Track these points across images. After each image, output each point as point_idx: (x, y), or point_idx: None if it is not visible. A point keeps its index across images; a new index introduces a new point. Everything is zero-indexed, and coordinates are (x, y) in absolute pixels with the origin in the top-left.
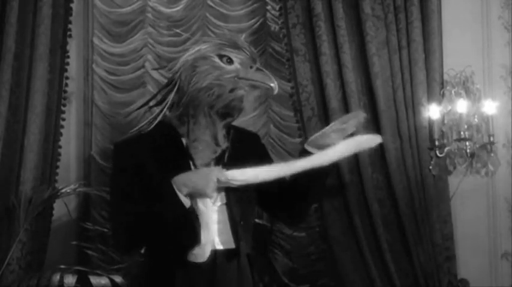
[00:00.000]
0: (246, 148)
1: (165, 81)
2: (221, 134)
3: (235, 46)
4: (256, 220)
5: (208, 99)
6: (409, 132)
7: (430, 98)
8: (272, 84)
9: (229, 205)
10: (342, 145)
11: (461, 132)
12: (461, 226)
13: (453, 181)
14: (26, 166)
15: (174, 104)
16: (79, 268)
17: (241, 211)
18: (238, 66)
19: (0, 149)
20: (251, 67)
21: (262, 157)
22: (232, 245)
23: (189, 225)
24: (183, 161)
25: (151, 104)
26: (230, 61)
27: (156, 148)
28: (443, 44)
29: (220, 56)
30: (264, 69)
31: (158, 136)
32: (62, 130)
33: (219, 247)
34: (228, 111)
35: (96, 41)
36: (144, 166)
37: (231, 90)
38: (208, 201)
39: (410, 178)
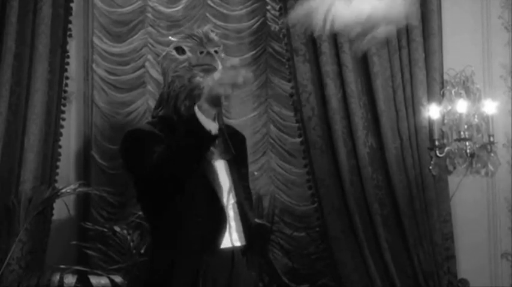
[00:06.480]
0: (234, 141)
1: None
2: None
3: (187, 35)
4: (256, 220)
5: (176, 92)
6: (409, 132)
7: (430, 98)
8: (214, 64)
9: (239, 203)
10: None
11: (461, 132)
12: (461, 226)
13: (453, 181)
14: (26, 166)
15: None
16: (79, 268)
17: (249, 208)
18: (189, 54)
19: (0, 149)
20: (201, 52)
21: (241, 156)
22: (243, 242)
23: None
24: None
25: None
26: (183, 51)
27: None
28: (443, 44)
29: (176, 49)
30: (212, 52)
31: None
32: (62, 130)
33: (237, 243)
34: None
35: (96, 41)
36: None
37: (189, 80)
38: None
39: (410, 178)
